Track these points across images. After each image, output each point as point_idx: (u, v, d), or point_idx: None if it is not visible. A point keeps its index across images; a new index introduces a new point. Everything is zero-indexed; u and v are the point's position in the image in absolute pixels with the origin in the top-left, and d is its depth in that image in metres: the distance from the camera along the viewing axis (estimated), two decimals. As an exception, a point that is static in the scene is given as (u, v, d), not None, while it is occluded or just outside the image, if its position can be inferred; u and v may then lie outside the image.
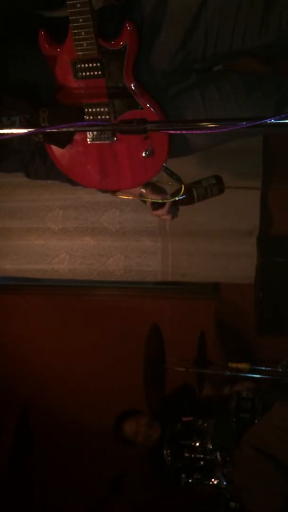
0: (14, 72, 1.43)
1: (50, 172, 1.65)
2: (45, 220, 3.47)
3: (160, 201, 1.68)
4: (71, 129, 1.34)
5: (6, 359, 3.81)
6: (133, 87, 1.36)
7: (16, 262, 3.57)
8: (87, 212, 3.41)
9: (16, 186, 3.42)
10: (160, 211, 1.72)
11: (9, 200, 3.48)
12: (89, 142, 1.48)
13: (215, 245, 3.30)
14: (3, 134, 1.26)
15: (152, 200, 1.68)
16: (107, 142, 1.46)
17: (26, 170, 1.69)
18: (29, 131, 1.28)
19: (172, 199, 1.65)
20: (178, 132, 1.36)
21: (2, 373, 3.81)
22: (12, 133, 1.27)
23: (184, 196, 1.67)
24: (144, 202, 1.73)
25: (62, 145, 1.50)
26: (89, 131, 1.45)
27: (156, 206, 1.70)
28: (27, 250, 3.56)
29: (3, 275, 3.65)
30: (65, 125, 1.29)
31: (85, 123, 1.41)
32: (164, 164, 1.53)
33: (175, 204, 1.71)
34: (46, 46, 1.34)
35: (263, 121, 1.10)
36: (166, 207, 1.69)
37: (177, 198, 1.65)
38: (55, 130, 1.30)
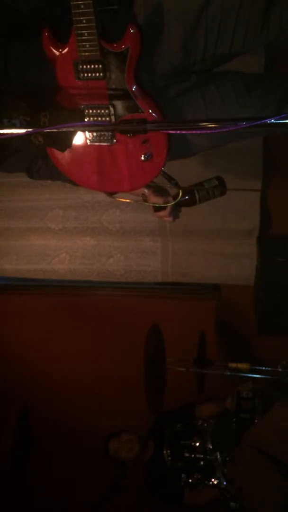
0: (15, 72, 1.43)
1: (52, 172, 1.65)
2: (45, 220, 3.47)
3: (159, 205, 1.68)
4: (71, 129, 1.34)
5: (6, 359, 3.81)
6: (134, 90, 1.35)
7: (16, 262, 3.56)
8: (87, 212, 3.40)
9: (16, 186, 3.42)
10: (161, 213, 1.73)
11: (9, 200, 3.47)
12: (89, 144, 1.48)
13: (215, 245, 3.30)
14: (3, 134, 1.26)
15: (154, 205, 1.68)
16: (106, 144, 1.46)
17: (29, 170, 1.69)
18: (27, 131, 1.28)
19: (173, 203, 1.65)
20: (178, 132, 1.35)
21: (2, 373, 3.81)
22: (11, 133, 1.27)
23: (186, 197, 1.67)
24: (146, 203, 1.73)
25: (62, 148, 1.50)
26: (88, 131, 1.45)
27: (158, 208, 1.70)
28: (27, 250, 3.55)
29: (3, 275, 3.64)
30: (65, 125, 1.29)
31: (85, 123, 1.41)
32: (162, 169, 1.53)
33: (177, 206, 1.71)
34: (49, 46, 1.34)
35: (263, 121, 1.10)
36: (168, 209, 1.70)
37: (178, 200, 1.65)
38: (54, 130, 1.30)
